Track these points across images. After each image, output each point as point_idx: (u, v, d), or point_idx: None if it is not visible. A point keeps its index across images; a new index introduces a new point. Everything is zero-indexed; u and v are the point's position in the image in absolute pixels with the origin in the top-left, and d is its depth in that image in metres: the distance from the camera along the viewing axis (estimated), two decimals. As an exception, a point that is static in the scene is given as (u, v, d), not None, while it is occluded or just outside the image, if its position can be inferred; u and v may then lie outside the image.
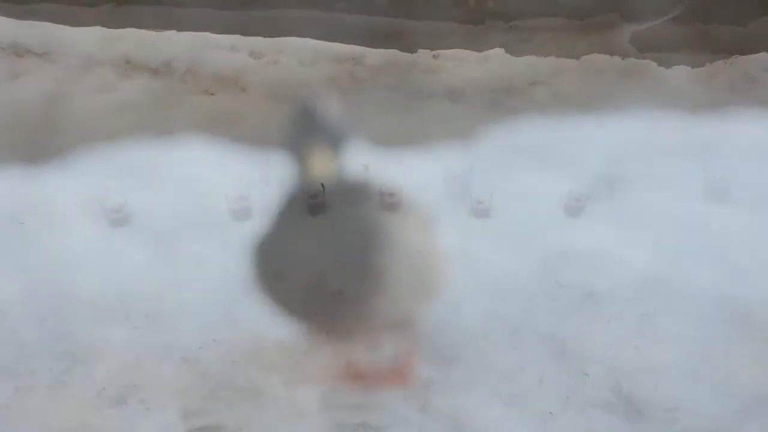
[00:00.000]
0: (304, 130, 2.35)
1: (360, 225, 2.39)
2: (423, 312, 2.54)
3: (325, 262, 2.37)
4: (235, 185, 3.18)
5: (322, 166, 2.34)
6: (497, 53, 4.53)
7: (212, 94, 4.19)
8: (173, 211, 3.26)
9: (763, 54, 4.39)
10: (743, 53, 4.43)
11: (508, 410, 2.42)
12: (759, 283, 2.80)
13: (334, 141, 2.35)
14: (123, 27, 4.62)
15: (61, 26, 4.63)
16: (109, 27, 4.62)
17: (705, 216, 3.12)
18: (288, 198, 2.43)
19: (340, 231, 2.38)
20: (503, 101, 4.24)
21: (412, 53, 4.53)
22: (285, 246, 2.41)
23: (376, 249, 2.37)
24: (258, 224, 2.50)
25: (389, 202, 2.39)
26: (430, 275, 2.48)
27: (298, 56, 4.50)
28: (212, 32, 4.64)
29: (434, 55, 4.57)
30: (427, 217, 2.54)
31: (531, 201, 3.19)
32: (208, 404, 2.48)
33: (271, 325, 2.60)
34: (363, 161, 3.28)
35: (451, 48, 4.59)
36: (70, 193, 3.34)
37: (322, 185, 2.34)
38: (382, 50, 4.56)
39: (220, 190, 3.14)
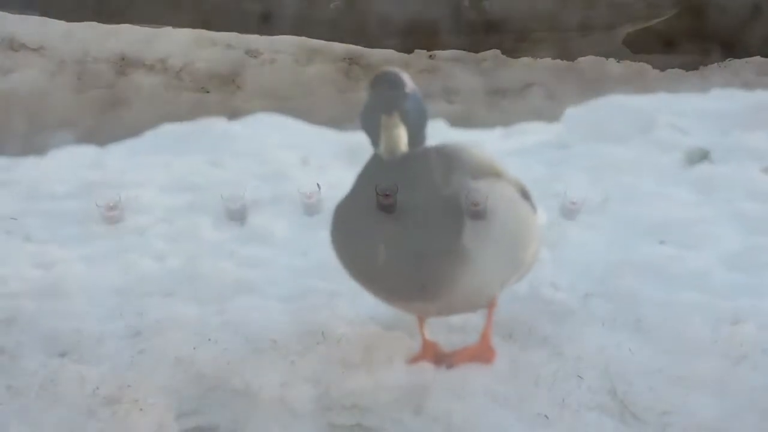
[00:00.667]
0: (385, 99, 2.31)
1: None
2: (501, 290, 2.53)
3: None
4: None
5: (397, 137, 2.29)
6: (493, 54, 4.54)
7: (207, 92, 4.20)
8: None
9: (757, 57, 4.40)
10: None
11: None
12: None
13: (413, 115, 2.33)
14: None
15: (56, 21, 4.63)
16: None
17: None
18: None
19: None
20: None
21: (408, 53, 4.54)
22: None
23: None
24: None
25: (474, 210, 2.34)
26: (515, 255, 2.46)
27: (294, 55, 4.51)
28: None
29: (430, 56, 4.57)
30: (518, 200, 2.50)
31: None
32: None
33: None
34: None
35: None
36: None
37: (396, 185, 2.29)
38: (377, 50, 4.57)
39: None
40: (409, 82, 2.35)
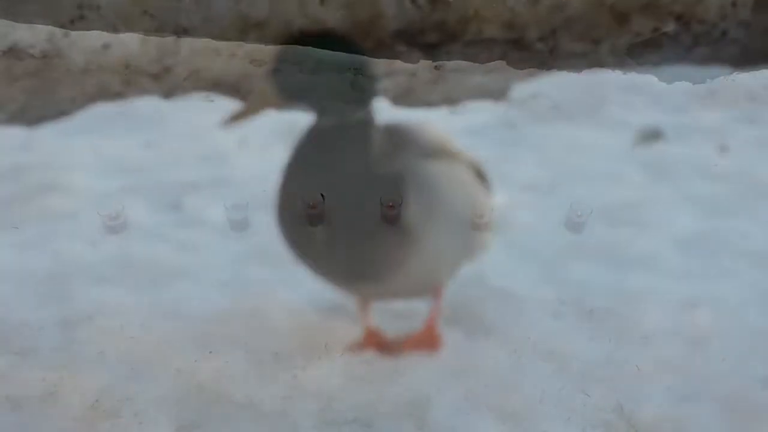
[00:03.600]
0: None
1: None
2: (451, 275, 2.48)
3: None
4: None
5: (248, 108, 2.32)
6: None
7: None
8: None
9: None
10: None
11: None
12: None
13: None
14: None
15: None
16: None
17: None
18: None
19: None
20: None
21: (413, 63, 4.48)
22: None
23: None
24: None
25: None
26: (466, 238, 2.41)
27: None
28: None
29: (436, 66, 4.52)
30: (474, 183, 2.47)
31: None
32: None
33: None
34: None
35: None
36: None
37: (322, 195, 2.23)
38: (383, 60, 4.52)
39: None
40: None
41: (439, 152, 2.39)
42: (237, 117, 2.34)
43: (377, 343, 2.49)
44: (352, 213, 2.26)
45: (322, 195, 2.22)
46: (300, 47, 2.32)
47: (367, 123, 2.31)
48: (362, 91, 2.31)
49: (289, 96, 2.32)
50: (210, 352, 2.46)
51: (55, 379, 2.39)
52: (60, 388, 2.37)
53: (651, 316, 2.57)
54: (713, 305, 2.59)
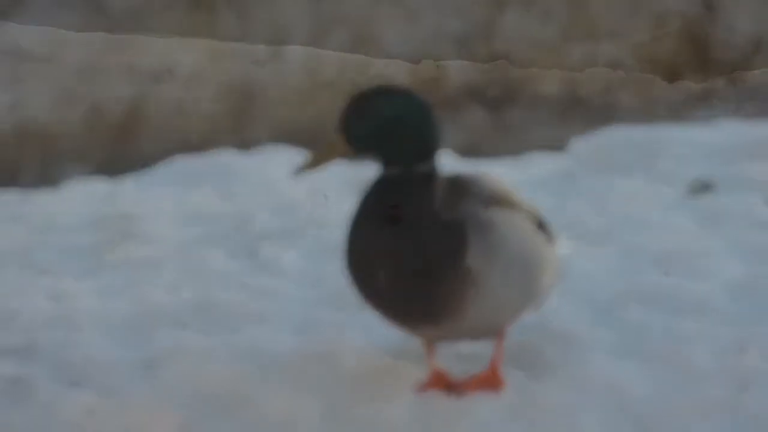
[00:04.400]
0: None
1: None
2: (513, 320, 2.57)
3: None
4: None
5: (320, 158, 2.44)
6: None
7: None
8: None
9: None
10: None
11: None
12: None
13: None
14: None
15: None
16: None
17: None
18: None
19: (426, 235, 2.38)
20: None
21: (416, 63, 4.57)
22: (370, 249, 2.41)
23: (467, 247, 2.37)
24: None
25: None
26: (527, 284, 2.50)
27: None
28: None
29: (437, 65, 4.61)
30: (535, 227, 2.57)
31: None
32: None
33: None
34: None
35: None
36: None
37: (402, 197, 2.37)
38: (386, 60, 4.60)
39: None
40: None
41: (500, 201, 2.48)
42: (307, 167, 2.46)
43: (443, 383, 2.57)
44: (415, 259, 2.36)
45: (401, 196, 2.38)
46: (368, 101, 2.44)
47: (431, 174, 2.41)
48: (427, 144, 2.42)
49: (358, 147, 2.43)
50: (283, 393, 2.55)
51: (137, 416, 2.50)
52: (142, 424, 2.48)
53: (702, 357, 2.65)
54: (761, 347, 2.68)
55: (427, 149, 2.42)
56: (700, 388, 2.55)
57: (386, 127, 2.40)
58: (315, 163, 2.45)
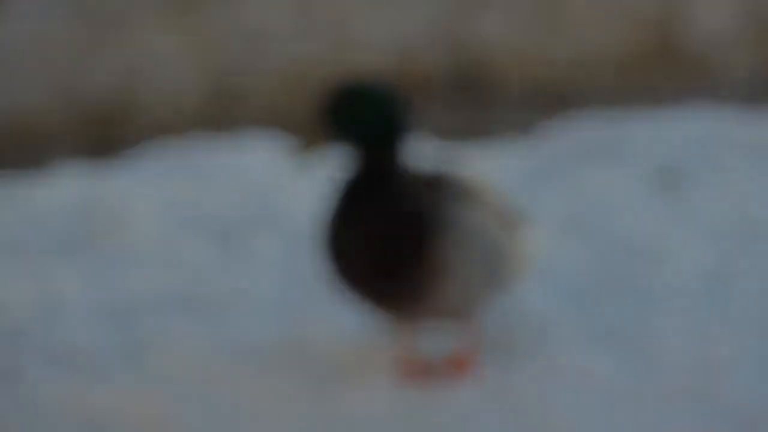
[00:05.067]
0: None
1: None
2: (487, 302, 2.66)
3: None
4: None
5: None
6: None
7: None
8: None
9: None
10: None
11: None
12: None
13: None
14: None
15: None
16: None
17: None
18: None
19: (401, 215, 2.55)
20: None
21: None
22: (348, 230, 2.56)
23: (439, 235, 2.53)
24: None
25: None
26: (489, 271, 2.62)
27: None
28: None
29: (416, 57, 4.64)
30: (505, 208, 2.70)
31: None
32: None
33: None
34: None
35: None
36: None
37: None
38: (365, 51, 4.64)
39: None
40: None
41: (469, 195, 2.63)
42: (291, 153, 2.60)
43: (418, 369, 2.66)
44: (383, 246, 2.53)
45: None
46: (348, 91, 2.59)
47: (401, 165, 2.58)
48: (402, 129, 2.57)
49: (338, 135, 2.57)
50: (261, 376, 2.66)
51: (122, 400, 2.58)
52: (127, 408, 2.57)
53: (672, 345, 2.73)
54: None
55: (399, 136, 2.57)
56: (671, 375, 2.63)
57: (363, 117, 2.55)
58: (298, 149, 2.61)
